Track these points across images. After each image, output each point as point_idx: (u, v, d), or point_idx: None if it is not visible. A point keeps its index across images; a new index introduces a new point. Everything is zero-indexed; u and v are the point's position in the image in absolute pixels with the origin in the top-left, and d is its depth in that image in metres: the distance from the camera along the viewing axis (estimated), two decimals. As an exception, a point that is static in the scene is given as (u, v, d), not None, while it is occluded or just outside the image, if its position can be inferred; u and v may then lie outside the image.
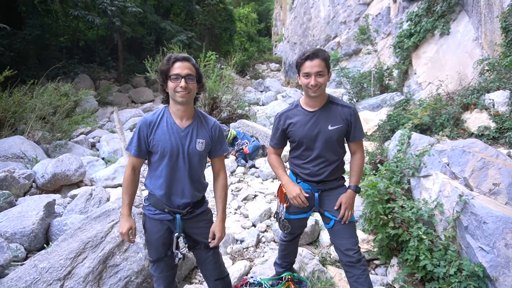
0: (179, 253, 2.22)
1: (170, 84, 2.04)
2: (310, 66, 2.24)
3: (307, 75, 2.27)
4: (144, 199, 2.27)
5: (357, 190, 2.47)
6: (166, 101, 2.19)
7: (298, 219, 2.63)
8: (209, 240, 2.21)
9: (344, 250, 2.43)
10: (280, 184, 2.69)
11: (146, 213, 2.24)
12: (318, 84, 2.26)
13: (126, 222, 2.14)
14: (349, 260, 2.42)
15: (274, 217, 2.74)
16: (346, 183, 2.59)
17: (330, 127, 2.38)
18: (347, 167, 2.61)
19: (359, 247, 2.47)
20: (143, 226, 2.29)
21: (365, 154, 5.38)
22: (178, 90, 2.02)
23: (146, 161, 2.25)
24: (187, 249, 2.35)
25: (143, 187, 5.41)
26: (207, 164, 2.39)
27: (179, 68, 2.02)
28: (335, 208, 2.43)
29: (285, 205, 2.59)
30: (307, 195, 2.44)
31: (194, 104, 2.24)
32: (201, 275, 3.42)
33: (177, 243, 2.25)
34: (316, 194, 2.50)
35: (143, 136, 2.12)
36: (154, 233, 2.21)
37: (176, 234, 2.19)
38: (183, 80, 2.01)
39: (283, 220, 2.61)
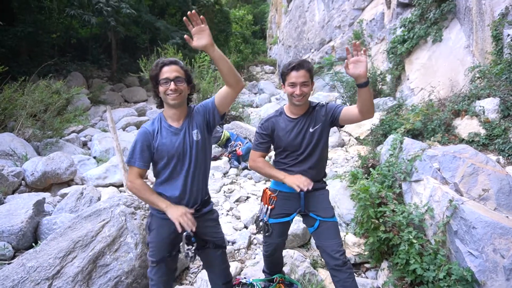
0: (190, 252, 2.18)
1: (161, 88, 2.09)
2: (296, 76, 2.35)
3: (293, 84, 2.37)
4: None
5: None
6: (160, 105, 2.25)
7: (280, 223, 2.65)
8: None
9: (331, 252, 2.45)
10: (264, 190, 2.74)
11: (153, 213, 2.24)
12: (303, 94, 2.37)
13: (176, 208, 2.08)
14: (336, 263, 2.44)
15: (255, 222, 2.75)
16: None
17: (311, 130, 2.48)
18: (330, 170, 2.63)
19: (344, 249, 2.51)
20: (147, 226, 2.28)
21: (358, 156, 5.44)
22: (168, 93, 2.07)
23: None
24: (196, 249, 2.31)
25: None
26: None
27: (167, 72, 2.08)
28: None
29: (269, 207, 2.62)
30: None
31: (188, 105, 2.28)
32: (191, 276, 3.41)
33: (187, 242, 2.22)
34: (302, 194, 2.54)
35: (147, 146, 2.14)
36: (160, 233, 2.20)
37: (185, 233, 2.16)
38: (172, 83, 2.06)
39: (265, 222, 2.63)
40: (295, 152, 2.53)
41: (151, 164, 2.23)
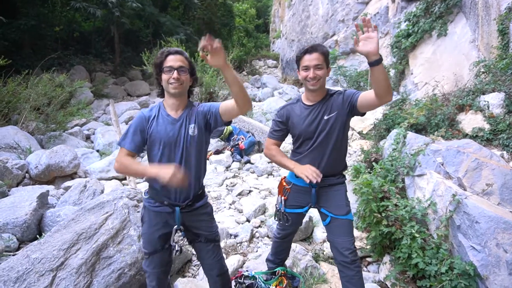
0: (176, 246, 2.21)
1: (164, 76, 2.11)
2: (309, 59, 2.31)
3: (306, 68, 2.32)
4: (144, 192, 2.29)
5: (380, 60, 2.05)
6: (161, 94, 2.26)
7: (294, 213, 2.64)
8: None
9: (341, 249, 2.43)
10: (281, 178, 2.71)
11: (146, 204, 2.25)
12: (317, 77, 2.31)
13: (166, 168, 1.95)
14: (344, 260, 2.42)
15: (276, 213, 2.74)
16: (347, 182, 2.61)
17: (325, 117, 2.40)
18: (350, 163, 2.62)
19: (355, 247, 2.48)
20: (140, 218, 2.30)
21: (361, 150, 5.43)
22: (171, 82, 2.08)
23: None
24: (187, 242, 2.33)
25: (137, 180, 5.37)
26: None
27: (172, 60, 2.10)
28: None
29: (283, 198, 2.61)
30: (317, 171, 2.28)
31: (189, 98, 2.29)
32: (194, 268, 3.44)
33: (175, 236, 2.25)
34: (313, 190, 2.51)
35: (140, 130, 2.14)
36: (152, 226, 2.22)
37: (175, 227, 2.19)
38: (175, 71, 2.07)
39: (282, 213, 2.62)
40: (309, 140, 2.46)
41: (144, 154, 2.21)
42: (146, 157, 2.28)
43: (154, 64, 2.19)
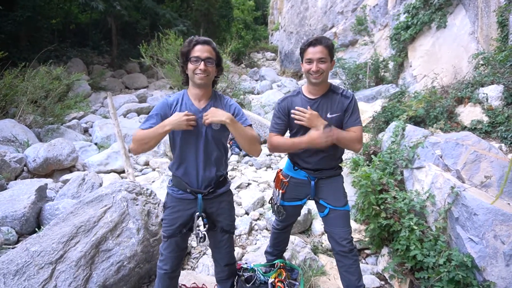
0: (200, 233, 2.22)
1: (190, 66, 2.09)
2: (313, 52, 2.27)
3: (310, 61, 2.29)
4: (169, 181, 2.32)
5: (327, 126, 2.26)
6: (186, 82, 2.25)
7: (292, 206, 2.65)
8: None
9: (338, 239, 2.44)
10: (277, 171, 2.71)
11: (169, 192, 2.28)
12: (320, 71, 2.28)
13: (173, 116, 2.06)
14: (342, 249, 2.44)
15: (270, 203, 2.76)
16: (343, 173, 2.61)
17: (328, 115, 2.38)
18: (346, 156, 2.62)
19: (352, 237, 2.50)
20: (163, 204, 2.32)
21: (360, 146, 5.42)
22: (197, 72, 2.07)
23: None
24: (206, 229, 2.32)
25: (136, 173, 5.36)
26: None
27: (199, 51, 2.07)
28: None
29: (280, 191, 2.61)
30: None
31: (213, 87, 2.28)
32: (193, 261, 3.45)
33: (197, 222, 2.27)
34: (312, 182, 2.51)
35: (161, 115, 2.13)
36: (174, 212, 2.24)
37: (197, 213, 2.21)
38: (202, 62, 2.06)
39: (278, 206, 2.62)
40: None
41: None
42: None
43: (180, 52, 2.16)
